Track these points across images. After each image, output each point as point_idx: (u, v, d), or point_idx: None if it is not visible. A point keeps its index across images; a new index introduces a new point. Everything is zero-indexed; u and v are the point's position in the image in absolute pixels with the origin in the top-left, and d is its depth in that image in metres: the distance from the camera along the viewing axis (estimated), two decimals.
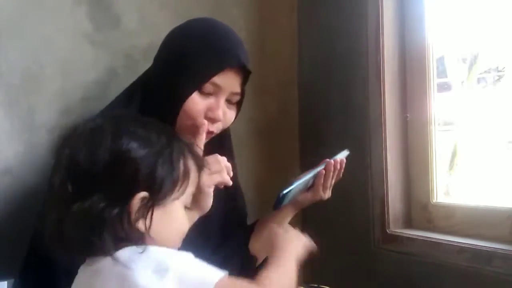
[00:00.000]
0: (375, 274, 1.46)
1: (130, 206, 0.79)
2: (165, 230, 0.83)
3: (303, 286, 1.43)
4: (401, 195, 1.45)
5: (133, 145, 0.81)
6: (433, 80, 1.42)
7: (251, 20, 1.67)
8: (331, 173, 1.24)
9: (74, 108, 1.34)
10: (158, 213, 0.81)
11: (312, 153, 1.73)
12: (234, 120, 1.16)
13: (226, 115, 1.12)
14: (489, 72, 1.44)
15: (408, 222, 1.46)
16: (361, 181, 1.51)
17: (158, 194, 0.82)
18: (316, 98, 1.70)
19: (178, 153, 0.86)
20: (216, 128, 1.12)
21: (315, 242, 1.03)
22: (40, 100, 1.32)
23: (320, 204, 1.71)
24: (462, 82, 1.47)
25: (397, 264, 1.40)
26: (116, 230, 0.78)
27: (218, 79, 1.07)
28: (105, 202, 0.78)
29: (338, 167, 1.25)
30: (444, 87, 1.47)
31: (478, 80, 1.44)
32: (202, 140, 1.09)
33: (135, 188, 0.80)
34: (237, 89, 1.11)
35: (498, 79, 1.42)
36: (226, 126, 1.14)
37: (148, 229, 0.80)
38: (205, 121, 1.09)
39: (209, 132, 1.11)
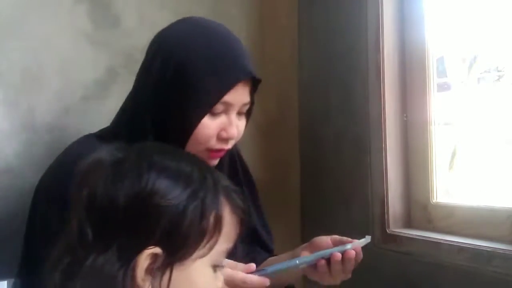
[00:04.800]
0: (375, 274, 1.46)
1: (135, 265, 0.65)
2: None
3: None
4: (401, 195, 1.45)
5: (161, 184, 0.68)
6: (433, 80, 1.42)
7: (251, 20, 1.67)
8: (351, 261, 1.02)
9: (74, 107, 1.35)
10: (174, 275, 0.67)
11: (312, 153, 1.73)
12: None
13: (239, 128, 1.04)
14: (489, 72, 1.43)
15: (408, 222, 1.45)
16: (361, 181, 1.51)
17: (177, 251, 0.67)
18: (316, 98, 1.70)
19: (213, 196, 0.71)
20: (230, 144, 1.05)
21: None
22: (40, 100, 1.32)
23: (319, 204, 1.71)
24: (462, 82, 1.47)
25: (397, 264, 1.40)
26: None
27: (228, 96, 0.98)
28: (120, 260, 0.65)
29: (356, 257, 1.03)
30: (444, 87, 1.47)
31: (478, 80, 1.44)
32: (215, 163, 1.05)
33: (146, 241, 0.66)
34: (247, 99, 1.03)
35: (498, 79, 1.42)
36: (239, 138, 1.06)
37: None
38: (221, 146, 1.02)
39: (223, 151, 1.04)
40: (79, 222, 0.68)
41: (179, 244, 0.67)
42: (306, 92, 1.74)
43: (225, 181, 0.74)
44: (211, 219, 0.69)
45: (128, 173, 0.68)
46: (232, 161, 1.19)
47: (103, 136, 1.07)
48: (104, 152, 0.73)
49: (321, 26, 1.68)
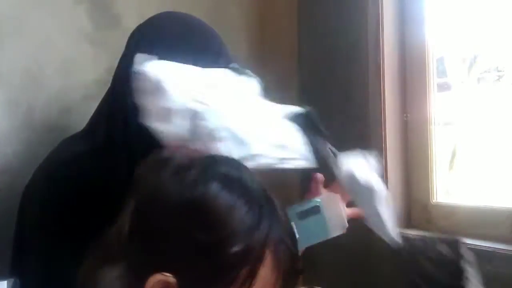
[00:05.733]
0: (375, 274, 1.46)
1: (144, 286, 0.58)
2: None
3: (304, 287, 1.43)
4: (401, 195, 1.45)
5: (213, 207, 0.59)
6: (433, 80, 1.42)
7: (251, 20, 1.67)
8: None
9: (74, 107, 1.35)
10: None
11: None
12: None
13: None
14: (489, 72, 1.44)
15: (408, 222, 1.46)
16: None
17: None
18: (316, 98, 1.70)
19: (257, 248, 0.59)
20: None
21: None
22: (40, 100, 1.32)
23: None
24: (462, 82, 1.47)
25: (397, 264, 1.40)
26: None
27: None
28: (135, 275, 0.58)
29: None
30: (444, 87, 1.47)
31: (478, 80, 1.44)
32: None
33: (166, 264, 0.58)
34: None
35: (498, 79, 1.42)
36: None
37: None
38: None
39: None
40: (123, 217, 0.62)
41: (197, 285, 0.58)
42: (306, 92, 1.74)
43: (280, 229, 0.62)
44: (243, 272, 0.59)
45: (184, 179, 0.60)
46: None
47: (86, 134, 1.09)
48: (175, 154, 0.65)
49: (321, 26, 1.68)
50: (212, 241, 0.58)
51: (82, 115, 1.24)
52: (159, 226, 0.59)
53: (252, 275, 0.59)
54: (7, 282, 1.03)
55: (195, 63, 1.01)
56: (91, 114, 1.15)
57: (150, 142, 1.04)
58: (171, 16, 1.11)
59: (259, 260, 0.59)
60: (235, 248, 0.58)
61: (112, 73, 1.14)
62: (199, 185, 0.59)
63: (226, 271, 0.58)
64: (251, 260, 0.59)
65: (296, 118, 0.92)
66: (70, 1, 1.36)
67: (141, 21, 1.22)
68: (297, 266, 0.64)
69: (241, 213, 0.59)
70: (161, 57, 1.00)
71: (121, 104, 1.04)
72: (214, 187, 0.59)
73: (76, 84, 1.36)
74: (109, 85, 1.23)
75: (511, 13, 1.28)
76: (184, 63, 1.01)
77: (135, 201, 0.62)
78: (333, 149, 0.97)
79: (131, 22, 1.43)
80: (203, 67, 1.01)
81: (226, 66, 1.05)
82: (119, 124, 1.03)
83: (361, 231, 1.50)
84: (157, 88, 0.84)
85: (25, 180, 1.11)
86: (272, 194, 0.66)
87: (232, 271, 0.58)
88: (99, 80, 1.37)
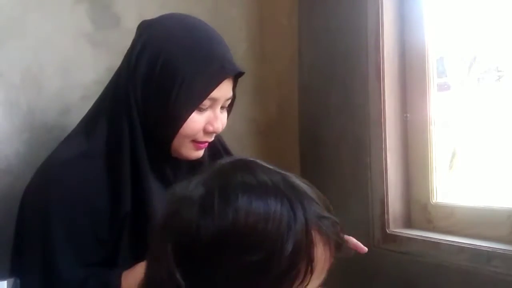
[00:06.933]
0: (375, 274, 1.46)
1: None
2: None
3: None
4: (401, 195, 1.45)
5: (246, 232, 0.58)
6: (433, 80, 1.42)
7: (251, 20, 1.67)
8: None
9: (74, 108, 1.35)
10: None
11: (312, 153, 1.73)
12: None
13: (223, 122, 1.09)
14: (489, 72, 1.44)
15: (408, 222, 1.46)
16: (361, 181, 1.51)
17: None
18: (316, 98, 1.70)
19: (306, 242, 0.60)
20: (214, 136, 1.10)
21: None
22: (40, 100, 1.32)
23: None
24: (462, 82, 1.47)
25: (396, 264, 1.40)
26: None
27: (215, 92, 1.03)
28: None
29: None
30: (444, 87, 1.47)
31: (478, 80, 1.44)
32: (200, 155, 1.09)
33: None
34: (230, 94, 1.08)
35: (498, 79, 1.42)
36: (221, 131, 1.11)
37: None
38: (206, 139, 1.07)
39: (207, 142, 1.09)
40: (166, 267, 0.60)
41: None
42: (306, 92, 1.74)
43: (313, 205, 0.63)
44: (302, 264, 0.59)
45: (212, 211, 0.60)
46: (211, 144, 1.18)
47: (85, 135, 1.07)
48: (190, 187, 0.63)
49: (321, 26, 1.68)
50: (263, 257, 0.58)
51: (82, 115, 1.25)
52: (211, 267, 0.59)
53: (310, 261, 0.60)
54: (7, 282, 1.03)
55: (201, 68, 1.01)
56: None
57: (154, 142, 1.05)
58: (179, 18, 1.10)
59: (310, 245, 0.60)
60: (286, 252, 0.58)
61: (112, 73, 1.14)
62: (227, 210, 0.59)
63: (287, 274, 0.59)
64: (304, 250, 0.59)
65: None
66: (70, 1, 1.37)
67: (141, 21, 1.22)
68: (343, 232, 0.66)
69: (276, 216, 0.59)
70: (167, 58, 1.01)
71: (124, 103, 1.04)
72: (240, 205, 0.59)
73: (76, 84, 1.36)
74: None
75: (511, 13, 1.28)
76: (189, 66, 1.01)
77: (174, 246, 0.61)
78: None
79: (131, 22, 1.43)
80: (208, 72, 1.02)
81: (230, 67, 1.05)
82: (123, 124, 1.03)
83: (362, 230, 1.50)
84: None
85: (25, 180, 1.11)
86: (286, 172, 0.65)
87: (292, 271, 0.59)
88: (99, 81, 1.37)
